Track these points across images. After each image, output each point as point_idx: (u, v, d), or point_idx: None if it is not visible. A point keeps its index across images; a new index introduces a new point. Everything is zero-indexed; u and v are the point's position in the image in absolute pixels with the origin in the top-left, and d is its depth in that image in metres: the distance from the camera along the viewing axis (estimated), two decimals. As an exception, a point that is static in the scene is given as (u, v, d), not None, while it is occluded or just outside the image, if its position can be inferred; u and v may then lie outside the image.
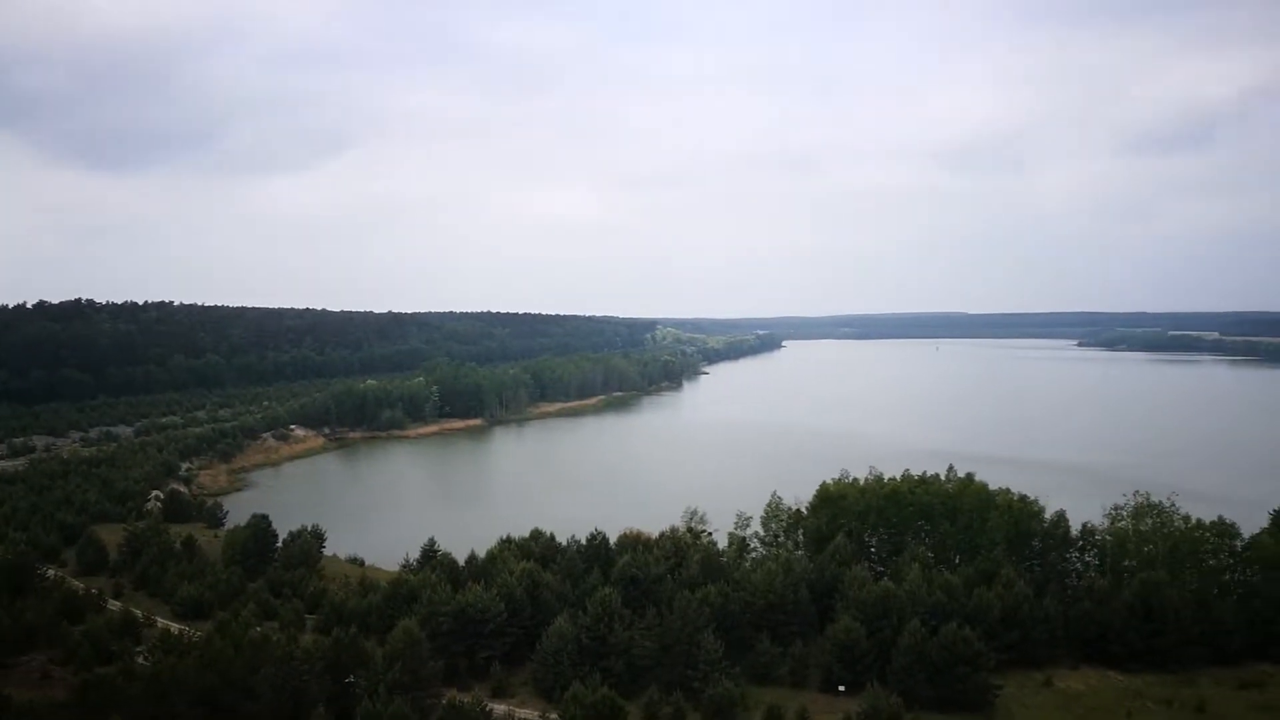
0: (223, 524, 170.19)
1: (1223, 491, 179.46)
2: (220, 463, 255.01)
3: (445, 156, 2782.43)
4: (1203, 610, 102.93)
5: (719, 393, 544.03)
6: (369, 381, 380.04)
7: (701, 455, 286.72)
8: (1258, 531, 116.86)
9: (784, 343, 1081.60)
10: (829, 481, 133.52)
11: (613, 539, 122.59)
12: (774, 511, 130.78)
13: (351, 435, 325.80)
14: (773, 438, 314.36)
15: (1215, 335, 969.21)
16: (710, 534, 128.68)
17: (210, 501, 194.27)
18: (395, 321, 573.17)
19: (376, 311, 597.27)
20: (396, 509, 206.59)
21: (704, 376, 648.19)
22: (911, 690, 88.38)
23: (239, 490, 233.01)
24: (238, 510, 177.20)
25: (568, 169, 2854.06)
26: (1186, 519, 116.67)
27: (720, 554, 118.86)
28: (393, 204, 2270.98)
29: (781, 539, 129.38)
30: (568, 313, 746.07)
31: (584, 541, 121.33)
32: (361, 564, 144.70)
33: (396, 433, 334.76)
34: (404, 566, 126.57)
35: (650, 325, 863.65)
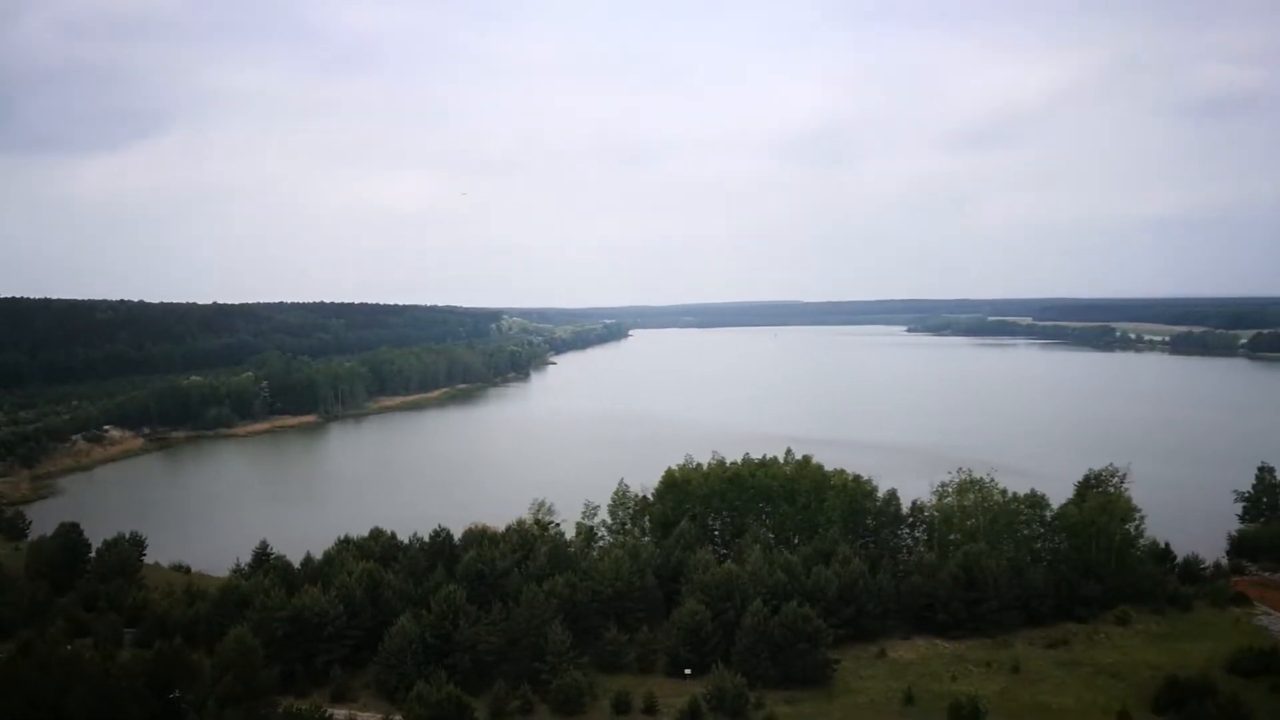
0: (25, 535, 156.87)
1: (1035, 465, 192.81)
2: (22, 468, 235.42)
3: (276, 139, 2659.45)
4: (1018, 577, 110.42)
5: (567, 383, 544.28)
6: (193, 378, 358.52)
7: (550, 446, 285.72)
8: (1064, 502, 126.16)
9: (630, 332, 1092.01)
10: (674, 467, 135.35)
11: (458, 534, 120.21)
12: (621, 499, 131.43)
13: (174, 435, 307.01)
14: (620, 426, 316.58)
15: (1029, 320, 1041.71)
16: (558, 525, 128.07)
17: (9, 511, 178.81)
18: (221, 314, 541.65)
19: (200, 303, 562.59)
20: (225, 512, 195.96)
21: (551, 367, 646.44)
22: (755, 669, 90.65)
23: (44, 498, 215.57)
24: (43, 520, 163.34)
25: (407, 154, 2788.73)
26: (1004, 493, 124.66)
27: (568, 544, 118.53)
28: (218, 189, 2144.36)
29: (629, 526, 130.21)
30: (408, 303, 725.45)
31: (427, 539, 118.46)
32: (187, 571, 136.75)
33: (224, 431, 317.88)
34: (235, 571, 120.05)
35: (495, 315, 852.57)
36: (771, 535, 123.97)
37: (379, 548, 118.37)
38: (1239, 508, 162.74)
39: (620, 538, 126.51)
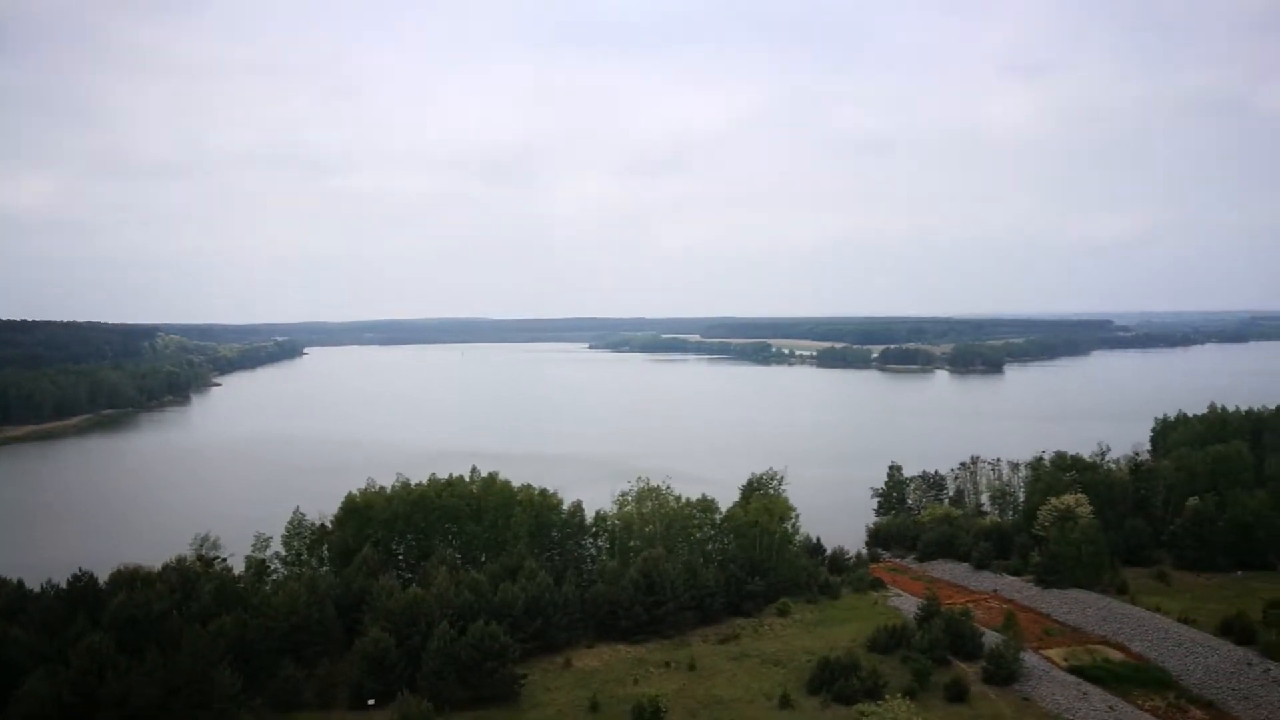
0: None
1: (706, 471, 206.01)
2: None
3: None
4: (692, 578, 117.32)
5: (234, 405, 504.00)
6: None
7: (213, 475, 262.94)
8: (732, 505, 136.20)
9: (306, 350, 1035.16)
10: (355, 492, 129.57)
11: (104, 577, 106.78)
12: (296, 529, 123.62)
13: None
14: (296, 450, 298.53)
15: (698, 337, 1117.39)
16: (225, 560, 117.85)
17: None
18: None
19: None
20: None
21: (216, 389, 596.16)
22: (442, 692, 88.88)
23: None
24: None
25: (37, 151, 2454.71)
26: (679, 499, 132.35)
27: (237, 580, 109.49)
28: None
29: (305, 556, 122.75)
30: (38, 318, 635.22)
31: (64, 585, 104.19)
32: None
33: None
34: None
35: (149, 332, 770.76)
36: (459, 556, 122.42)
37: (1, 599, 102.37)
38: (874, 502, 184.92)
39: (296, 569, 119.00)
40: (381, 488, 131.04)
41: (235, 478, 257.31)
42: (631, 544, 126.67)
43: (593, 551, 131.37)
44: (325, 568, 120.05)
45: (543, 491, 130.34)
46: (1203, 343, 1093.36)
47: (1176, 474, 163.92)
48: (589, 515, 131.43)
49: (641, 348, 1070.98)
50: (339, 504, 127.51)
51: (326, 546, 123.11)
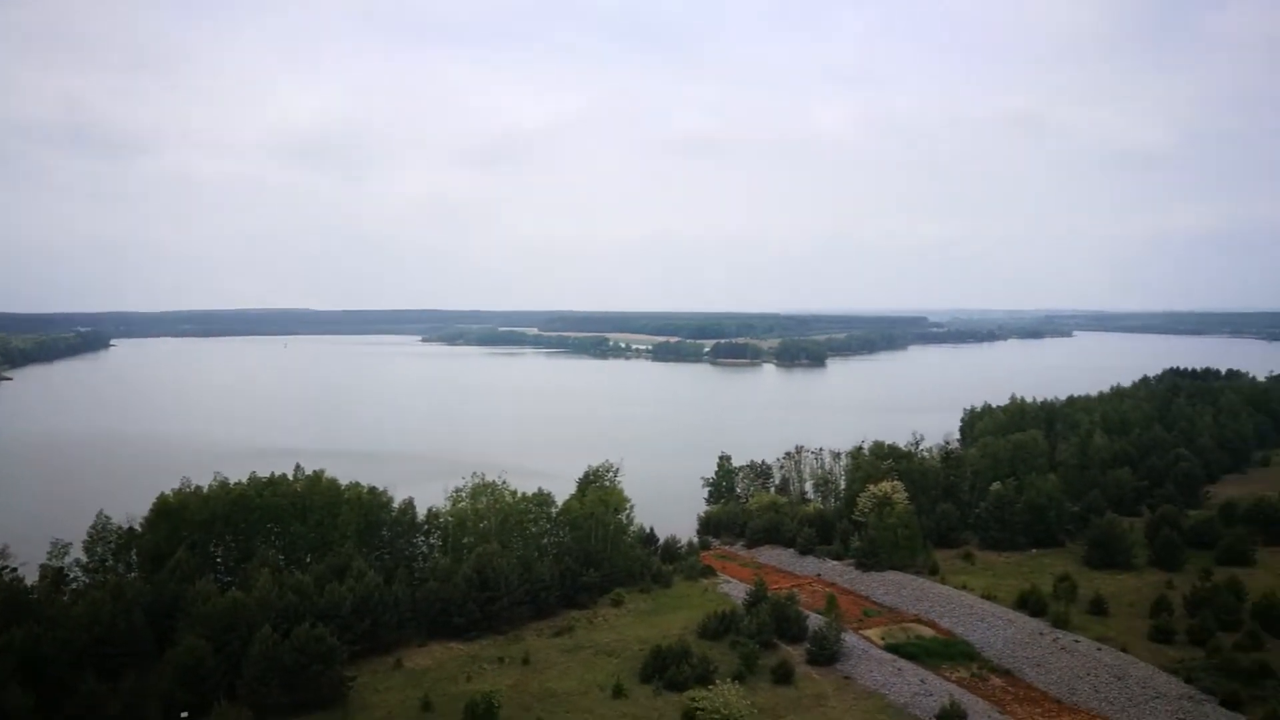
0: None
1: (543, 465, 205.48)
2: None
3: None
4: (527, 573, 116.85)
5: (26, 401, 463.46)
6: None
7: (3, 478, 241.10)
8: (568, 497, 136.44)
9: (113, 341, 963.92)
10: (168, 493, 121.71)
11: None
12: (101, 533, 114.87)
13: None
14: (103, 450, 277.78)
15: (535, 331, 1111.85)
16: (14, 570, 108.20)
17: None
18: None
19: None
20: None
21: (6, 383, 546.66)
22: (264, 699, 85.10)
23: None
24: None
25: None
26: (514, 493, 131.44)
27: (29, 591, 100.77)
28: None
29: (111, 562, 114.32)
30: None
31: None
32: None
33: None
34: None
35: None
36: (282, 557, 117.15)
37: None
38: (705, 492, 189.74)
39: (100, 576, 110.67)
40: (197, 487, 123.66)
41: (27, 481, 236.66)
42: (465, 540, 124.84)
43: (424, 549, 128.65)
44: (134, 574, 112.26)
45: (372, 489, 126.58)
46: (1006, 338, 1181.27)
47: (981, 461, 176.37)
48: (421, 513, 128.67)
49: (478, 341, 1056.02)
50: (150, 505, 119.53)
51: (135, 551, 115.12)
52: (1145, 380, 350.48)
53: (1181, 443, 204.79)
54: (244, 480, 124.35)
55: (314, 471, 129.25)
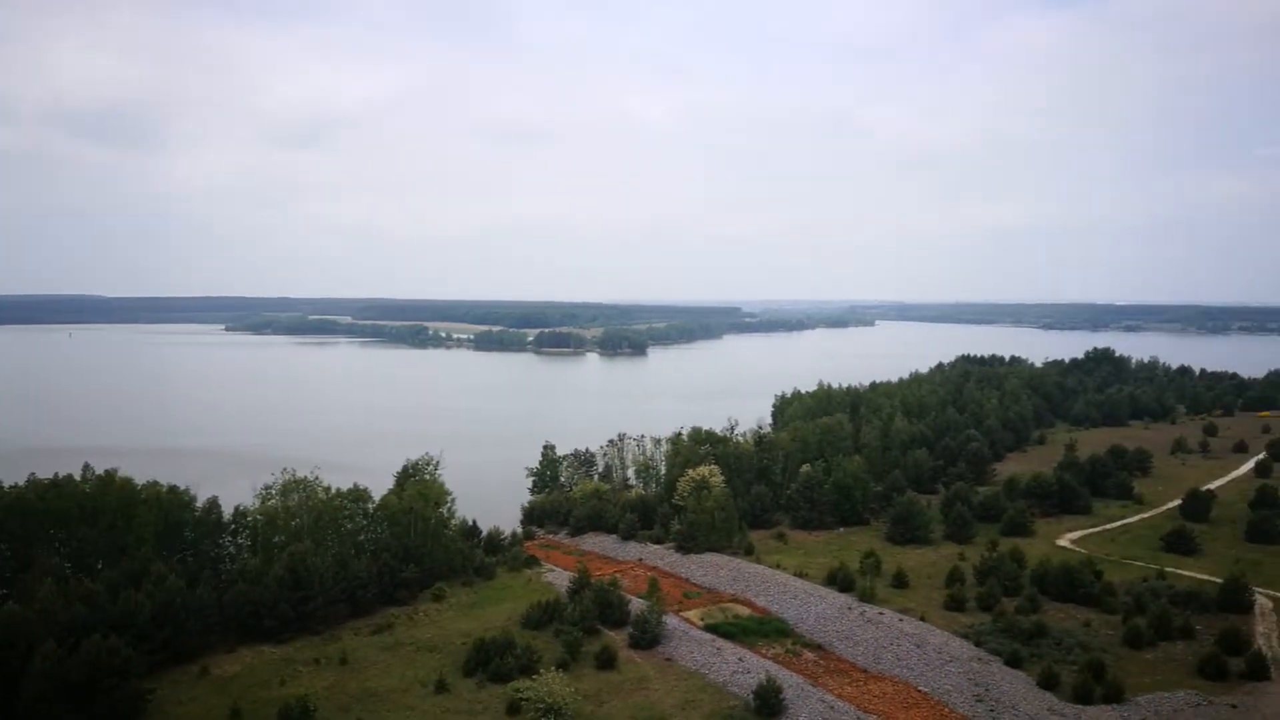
0: None
1: (360, 460, 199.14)
2: None
3: None
4: (343, 570, 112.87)
5: None
6: None
7: None
8: (386, 492, 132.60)
9: None
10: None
11: None
12: None
13: None
14: None
15: (350, 319, 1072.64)
16: None
17: None
18: None
19: None
20: None
21: None
22: (49, 719, 78.14)
23: None
24: None
25: None
26: (328, 489, 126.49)
27: None
28: None
29: None
30: None
31: None
32: None
33: None
34: None
35: None
36: (69, 565, 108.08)
37: None
38: (529, 482, 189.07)
39: None
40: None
41: None
42: (276, 539, 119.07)
43: (232, 550, 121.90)
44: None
45: (172, 488, 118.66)
46: (814, 327, 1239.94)
47: (792, 444, 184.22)
48: (227, 512, 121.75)
49: (287, 330, 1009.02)
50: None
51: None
52: (940, 367, 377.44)
53: (972, 424, 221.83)
54: (20, 483, 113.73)
55: (105, 471, 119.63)
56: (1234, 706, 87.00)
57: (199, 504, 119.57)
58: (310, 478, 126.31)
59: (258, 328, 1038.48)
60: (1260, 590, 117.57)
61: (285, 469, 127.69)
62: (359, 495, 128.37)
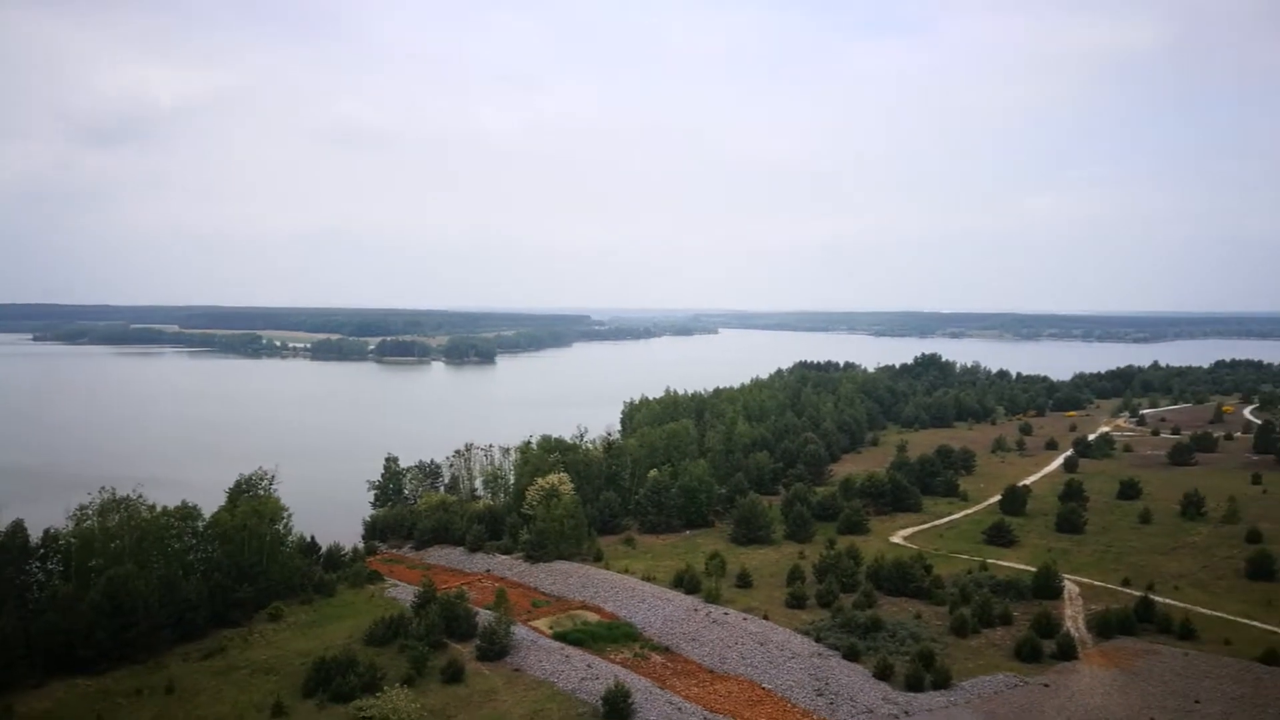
0: None
1: (188, 476, 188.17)
2: None
3: None
4: (170, 593, 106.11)
5: None
6: None
7: None
8: (217, 509, 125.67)
9: None
10: None
11: None
12: None
13: None
14: None
15: (176, 328, 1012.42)
16: None
17: None
18: None
19: None
20: None
21: None
22: None
23: None
24: None
25: None
26: (153, 508, 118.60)
27: None
28: None
29: None
30: None
31: None
32: None
33: None
34: None
35: None
36: None
37: None
38: (371, 495, 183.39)
39: None
40: None
41: None
42: (93, 563, 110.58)
43: (41, 577, 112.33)
44: None
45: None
46: (660, 335, 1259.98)
47: (640, 450, 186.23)
48: (35, 535, 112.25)
49: (105, 339, 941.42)
50: None
51: None
52: (780, 372, 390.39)
53: (810, 427, 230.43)
54: None
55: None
56: (1046, 685, 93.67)
57: (1, 528, 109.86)
58: (133, 496, 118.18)
59: (72, 337, 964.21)
60: (1068, 576, 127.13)
61: (104, 488, 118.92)
62: (188, 513, 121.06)
